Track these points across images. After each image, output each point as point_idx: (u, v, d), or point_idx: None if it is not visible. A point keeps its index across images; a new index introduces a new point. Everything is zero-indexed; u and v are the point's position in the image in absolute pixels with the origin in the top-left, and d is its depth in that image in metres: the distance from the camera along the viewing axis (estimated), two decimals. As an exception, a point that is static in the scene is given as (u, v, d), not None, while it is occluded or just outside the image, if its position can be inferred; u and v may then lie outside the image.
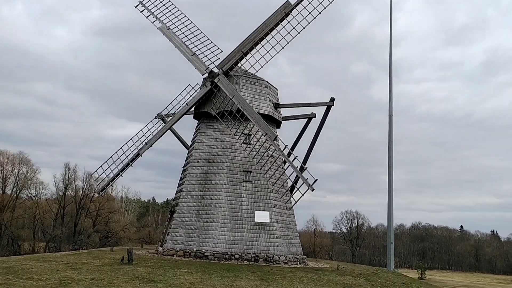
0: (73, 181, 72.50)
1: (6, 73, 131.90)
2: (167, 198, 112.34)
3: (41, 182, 72.85)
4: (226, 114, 24.91)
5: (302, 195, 21.49)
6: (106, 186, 25.88)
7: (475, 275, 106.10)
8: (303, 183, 21.61)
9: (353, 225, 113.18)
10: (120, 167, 25.67)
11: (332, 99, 26.38)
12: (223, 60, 26.11)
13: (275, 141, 23.11)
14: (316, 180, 21.15)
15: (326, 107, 26.66)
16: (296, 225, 26.93)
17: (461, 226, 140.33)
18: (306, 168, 21.66)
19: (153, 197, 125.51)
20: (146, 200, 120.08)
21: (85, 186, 71.29)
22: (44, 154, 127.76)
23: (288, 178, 22.47)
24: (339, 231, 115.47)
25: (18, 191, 69.31)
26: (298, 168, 22.70)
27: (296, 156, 22.55)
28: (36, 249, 64.34)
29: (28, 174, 70.53)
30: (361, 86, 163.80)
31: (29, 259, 19.16)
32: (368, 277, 21.12)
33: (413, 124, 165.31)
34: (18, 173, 69.19)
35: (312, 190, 21.20)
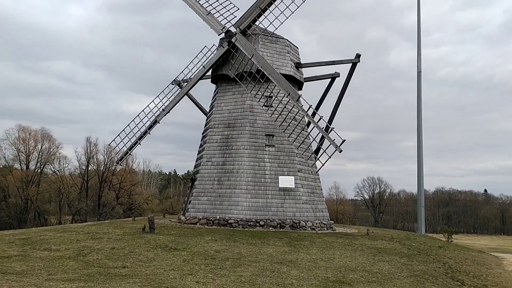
0: (95, 155, 72.95)
1: (25, 52, 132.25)
2: (188, 170, 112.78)
3: (64, 157, 73.48)
4: (245, 75, 23.55)
5: (329, 157, 20.25)
6: (125, 155, 25.16)
7: (501, 238, 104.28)
8: (330, 144, 20.33)
9: (375, 192, 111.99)
10: (138, 135, 24.84)
11: (358, 55, 24.65)
12: (240, 18, 24.57)
13: (298, 102, 21.71)
14: (344, 140, 19.85)
15: (351, 64, 24.96)
16: (322, 190, 25.84)
17: (485, 190, 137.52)
18: (333, 128, 20.32)
19: (174, 169, 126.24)
20: (168, 173, 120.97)
21: (106, 159, 71.66)
22: (66, 130, 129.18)
23: (314, 140, 21.19)
24: (361, 198, 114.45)
25: (42, 166, 70.11)
26: (324, 129, 21.37)
27: (322, 116, 21.19)
28: (62, 222, 65.44)
29: (51, 150, 71.16)
30: (378, 53, 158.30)
31: (49, 230, 18.66)
32: (402, 241, 20.02)
33: (433, 88, 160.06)
34: (41, 148, 69.85)
35: (340, 152, 19.93)
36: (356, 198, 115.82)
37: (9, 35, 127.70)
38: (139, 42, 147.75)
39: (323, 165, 20.56)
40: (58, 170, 73.75)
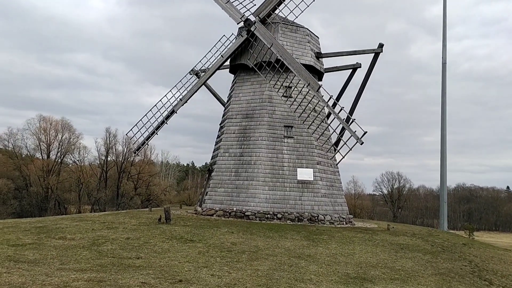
0: (114, 146, 73.60)
1: (47, 44, 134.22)
2: (206, 162, 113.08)
3: (84, 147, 74.37)
4: (265, 65, 23.02)
5: (350, 149, 19.62)
6: (142, 145, 25.01)
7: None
8: (351, 136, 19.68)
9: (394, 187, 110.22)
10: (155, 125, 24.63)
11: (381, 45, 23.80)
12: (259, 6, 23.99)
13: (318, 92, 21.10)
14: (366, 132, 19.14)
15: (373, 54, 24.14)
16: (341, 183, 25.21)
17: (508, 187, 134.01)
18: (354, 119, 19.64)
19: (192, 161, 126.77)
20: (185, 164, 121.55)
21: (125, 150, 72.22)
22: (87, 122, 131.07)
23: (334, 131, 20.52)
24: (380, 192, 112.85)
25: (62, 156, 71.11)
26: (345, 120, 20.72)
27: (343, 107, 20.54)
28: (82, 212, 66.34)
29: (72, 140, 72.05)
30: (399, 46, 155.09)
31: (66, 219, 18.60)
32: (424, 237, 19.32)
33: (455, 83, 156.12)
34: (61, 138, 70.76)
35: (361, 144, 19.27)
36: (375, 193, 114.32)
37: (32, 27, 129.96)
38: (158, 34, 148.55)
39: (343, 157, 19.96)
40: (78, 160, 74.77)
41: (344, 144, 19.91)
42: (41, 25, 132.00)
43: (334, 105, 21.74)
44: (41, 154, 69.88)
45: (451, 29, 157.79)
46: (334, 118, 20.46)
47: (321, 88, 20.96)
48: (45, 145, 69.80)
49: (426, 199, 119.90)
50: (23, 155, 70.11)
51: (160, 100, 25.16)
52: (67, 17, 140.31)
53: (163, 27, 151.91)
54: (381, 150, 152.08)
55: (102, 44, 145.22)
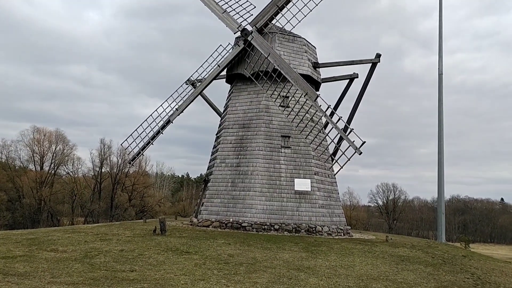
0: (108, 157, 72.96)
1: (43, 56, 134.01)
2: (201, 174, 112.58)
3: (78, 158, 73.60)
4: (262, 74, 22.88)
5: (348, 159, 19.43)
6: (137, 155, 24.66)
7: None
8: (349, 146, 19.49)
9: (390, 198, 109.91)
10: (150, 135, 24.32)
11: (378, 55, 23.76)
12: (256, 16, 23.94)
13: (316, 102, 20.92)
14: (364, 142, 18.97)
15: (371, 64, 24.09)
16: (339, 194, 24.97)
17: (502, 199, 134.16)
18: (352, 129, 19.46)
19: (187, 172, 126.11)
20: (180, 176, 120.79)
21: (120, 161, 71.60)
22: (82, 133, 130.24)
23: (332, 141, 20.32)
24: (375, 204, 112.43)
25: (55, 167, 70.32)
26: (343, 130, 20.52)
27: (341, 117, 20.36)
28: (75, 224, 65.41)
29: (65, 151, 71.34)
30: (392, 58, 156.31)
31: (58, 231, 18.15)
32: (424, 249, 19.02)
33: (448, 95, 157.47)
34: (55, 149, 70.05)
35: (360, 154, 19.07)
36: (370, 204, 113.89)
37: (27, 39, 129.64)
38: (154, 47, 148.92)
39: (341, 167, 19.76)
40: (71, 171, 73.97)
41: (342, 154, 19.71)
42: (37, 37, 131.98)
43: (332, 114, 21.58)
44: (34, 165, 69.09)
45: (444, 42, 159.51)
46: (332, 128, 20.27)
47: (318, 97, 20.79)
48: (39, 156, 69.06)
49: (421, 210, 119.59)
50: (16, 167, 69.25)
51: (156, 110, 24.93)
52: (63, 29, 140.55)
53: (159, 39, 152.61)
54: (375, 161, 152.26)
55: (98, 56, 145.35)
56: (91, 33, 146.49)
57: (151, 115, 24.76)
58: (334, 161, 20.04)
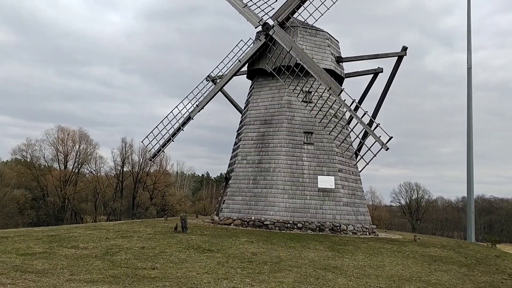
0: (130, 155, 73.57)
1: (66, 57, 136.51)
2: (221, 173, 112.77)
3: (100, 157, 74.45)
4: (283, 69, 22.31)
5: (374, 155, 18.70)
6: (158, 152, 24.42)
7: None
8: (375, 141, 18.76)
9: (413, 198, 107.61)
10: (171, 132, 24.07)
11: (405, 48, 22.89)
12: (278, 9, 23.36)
13: (340, 96, 20.25)
14: (391, 137, 18.22)
15: (397, 57, 23.24)
16: (363, 191, 24.21)
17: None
18: (379, 124, 18.71)
19: (207, 172, 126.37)
20: (200, 175, 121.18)
21: (141, 160, 72.10)
22: (103, 133, 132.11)
23: (357, 136, 19.62)
24: (398, 203, 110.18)
25: (79, 166, 71.28)
26: (368, 125, 19.78)
27: (366, 111, 19.60)
28: (98, 221, 66.15)
29: (88, 150, 72.26)
30: (413, 57, 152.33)
31: (80, 227, 18.04)
32: (455, 248, 18.17)
33: None
34: (79, 148, 71.02)
35: (387, 150, 18.33)
36: (392, 204, 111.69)
37: (51, 41, 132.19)
38: (174, 48, 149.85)
39: (367, 163, 19.02)
40: (94, 170, 74.88)
41: (368, 150, 18.99)
42: (60, 39, 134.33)
43: (357, 109, 20.85)
44: (58, 164, 70.22)
45: (465, 40, 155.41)
46: (357, 123, 19.57)
47: (343, 92, 20.12)
48: (63, 155, 70.13)
49: (446, 210, 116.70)
50: (41, 166, 70.47)
51: (176, 106, 24.65)
52: (86, 31, 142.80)
53: (179, 40, 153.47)
54: (396, 160, 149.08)
55: (119, 58, 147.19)
56: (112, 34, 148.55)
57: (171, 112, 24.51)
58: (360, 157, 19.32)
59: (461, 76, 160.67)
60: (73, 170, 70.34)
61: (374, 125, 19.50)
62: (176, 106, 24.61)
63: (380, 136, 18.54)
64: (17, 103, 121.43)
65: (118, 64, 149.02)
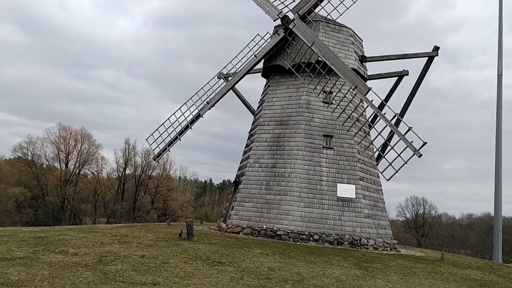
0: (133, 157, 71.81)
1: (75, 60, 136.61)
2: (223, 180, 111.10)
3: (102, 157, 72.73)
4: (303, 66, 20.51)
5: (405, 162, 16.76)
6: (163, 151, 22.61)
7: None
8: (407, 147, 16.83)
9: (419, 212, 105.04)
10: (178, 130, 22.28)
11: (436, 48, 21.04)
12: (299, 2, 21.70)
13: (367, 97, 18.37)
14: (426, 143, 16.28)
15: (427, 58, 21.38)
16: (384, 203, 22.22)
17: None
18: (411, 128, 16.79)
19: (210, 178, 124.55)
20: (203, 181, 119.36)
21: (144, 162, 70.34)
22: (109, 136, 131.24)
23: (386, 141, 17.67)
24: (404, 218, 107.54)
25: (80, 166, 69.52)
26: (396, 127, 17.85)
27: (397, 113, 17.70)
28: (97, 224, 64.17)
29: (91, 150, 70.56)
30: (418, 73, 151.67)
31: (73, 230, 16.15)
32: (493, 271, 16.11)
33: (475, 111, 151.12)
34: (80, 148, 69.35)
35: (420, 156, 16.40)
36: (398, 218, 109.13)
37: (61, 44, 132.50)
38: (181, 54, 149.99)
39: (396, 171, 17.06)
40: (95, 171, 73.12)
41: (397, 157, 17.03)
42: (70, 43, 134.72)
43: (382, 107, 18.92)
44: (59, 163, 68.50)
45: (471, 59, 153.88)
46: (385, 126, 17.63)
47: (370, 91, 18.24)
48: (64, 155, 68.44)
49: (452, 227, 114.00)
50: (44, 165, 68.80)
51: (185, 103, 22.94)
52: (95, 35, 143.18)
53: (186, 47, 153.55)
54: (400, 175, 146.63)
55: (127, 62, 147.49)
56: (121, 39, 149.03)
57: (179, 108, 22.81)
58: (388, 164, 17.35)
59: (466, 93, 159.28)
60: (74, 170, 68.59)
61: (406, 128, 17.51)
62: (185, 103, 22.93)
63: (412, 141, 16.61)
64: (26, 103, 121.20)
65: (126, 68, 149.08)
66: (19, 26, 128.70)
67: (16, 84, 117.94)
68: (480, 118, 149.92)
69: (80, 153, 69.74)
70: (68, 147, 69.39)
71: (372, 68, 24.88)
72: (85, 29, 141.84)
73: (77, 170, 69.22)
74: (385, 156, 19.00)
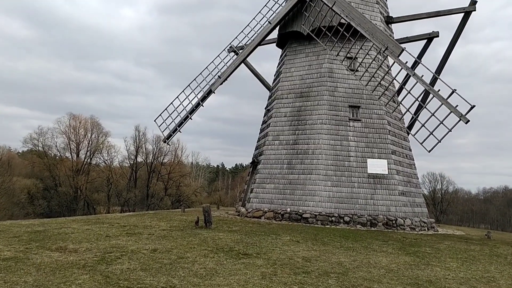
0: (144, 144, 70.51)
1: (83, 51, 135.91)
2: (236, 164, 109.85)
3: (112, 146, 71.55)
4: (324, 30, 18.35)
5: (449, 130, 14.65)
6: (173, 132, 20.79)
7: None
8: (450, 112, 14.70)
9: (437, 188, 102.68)
10: (189, 108, 20.40)
11: (474, 2, 18.64)
12: (316, -41, 19.33)
13: (399, 58, 16.16)
14: (473, 106, 14.12)
15: (463, 14, 19.01)
16: (418, 178, 20.20)
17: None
18: (455, 90, 14.60)
19: (222, 162, 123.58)
20: (215, 166, 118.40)
21: (155, 149, 68.99)
22: (119, 125, 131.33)
23: (424, 107, 15.49)
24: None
25: (91, 155, 68.50)
26: (436, 91, 15.66)
27: (438, 76, 15.49)
28: (111, 212, 63.25)
29: (100, 138, 69.41)
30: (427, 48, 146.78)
31: (77, 221, 14.48)
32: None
33: (485, 85, 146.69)
34: (90, 137, 68.27)
35: (466, 123, 14.28)
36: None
37: (69, 36, 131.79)
38: (187, 41, 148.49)
39: (439, 141, 14.98)
40: (106, 160, 72.02)
41: (440, 124, 14.92)
42: (77, 34, 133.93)
43: (414, 67, 16.70)
44: (70, 153, 67.52)
45: (479, 32, 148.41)
46: (424, 91, 15.47)
47: (403, 52, 16.03)
48: (75, 144, 67.37)
49: (472, 202, 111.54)
50: (54, 155, 67.92)
51: (195, 79, 20.99)
52: (101, 26, 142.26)
53: (192, 34, 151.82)
54: (412, 152, 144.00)
55: (134, 51, 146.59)
56: (127, 29, 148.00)
57: (189, 85, 20.88)
58: (429, 133, 15.19)
59: (475, 67, 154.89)
60: (86, 159, 67.57)
61: (450, 91, 15.28)
62: (194, 79, 20.98)
63: (457, 106, 14.46)
64: (37, 96, 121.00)
65: (133, 58, 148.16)
66: (27, 21, 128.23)
67: (26, 78, 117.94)
68: (490, 92, 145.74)
69: (90, 142, 68.74)
70: (78, 137, 68.38)
71: (395, 31, 22.64)
72: (91, 20, 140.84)
73: (88, 160, 68.25)
74: (430, 123, 16.82)
